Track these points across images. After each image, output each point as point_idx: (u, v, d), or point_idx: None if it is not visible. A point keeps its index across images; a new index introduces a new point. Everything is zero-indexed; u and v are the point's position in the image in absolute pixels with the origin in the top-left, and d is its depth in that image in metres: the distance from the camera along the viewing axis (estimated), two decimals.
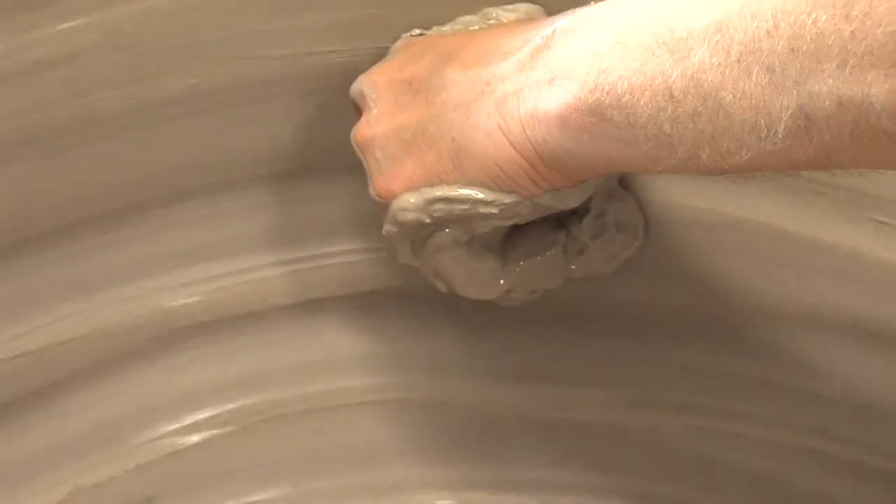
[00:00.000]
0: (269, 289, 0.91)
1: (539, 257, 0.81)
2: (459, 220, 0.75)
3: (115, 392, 0.91)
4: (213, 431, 0.93)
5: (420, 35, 0.81)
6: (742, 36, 0.66)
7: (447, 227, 0.76)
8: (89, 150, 0.84)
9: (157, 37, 0.83)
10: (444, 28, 0.81)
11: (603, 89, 0.69)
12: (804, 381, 0.91)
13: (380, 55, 0.82)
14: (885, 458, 0.90)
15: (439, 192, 0.74)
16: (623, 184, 0.84)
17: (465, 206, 0.73)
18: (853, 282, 0.87)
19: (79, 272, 0.89)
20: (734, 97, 0.66)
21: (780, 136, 0.65)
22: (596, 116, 0.69)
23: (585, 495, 0.95)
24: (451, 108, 0.75)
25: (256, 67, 0.84)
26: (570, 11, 0.73)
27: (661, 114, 0.68)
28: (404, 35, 0.81)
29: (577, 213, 0.81)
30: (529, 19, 0.80)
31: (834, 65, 0.63)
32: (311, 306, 0.91)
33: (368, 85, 0.79)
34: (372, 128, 0.78)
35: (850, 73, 0.63)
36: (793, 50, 0.64)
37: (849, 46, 0.62)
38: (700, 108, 0.67)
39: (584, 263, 0.82)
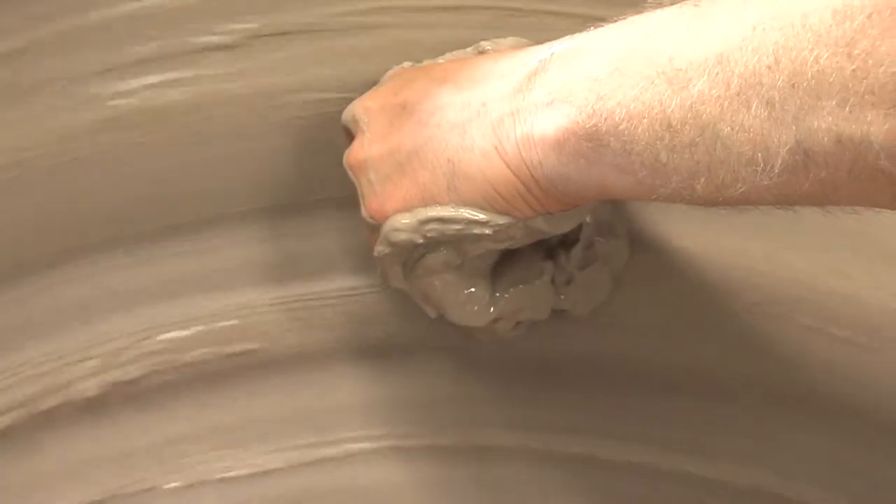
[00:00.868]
0: (261, 324, 0.91)
1: (527, 286, 0.81)
2: (452, 241, 0.75)
3: (103, 434, 0.90)
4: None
5: (411, 65, 0.82)
6: (742, 69, 0.66)
7: (439, 249, 0.76)
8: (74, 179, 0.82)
9: None
10: (437, 60, 0.82)
11: (601, 115, 0.69)
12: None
13: (368, 87, 0.82)
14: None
15: (433, 212, 0.74)
16: (615, 221, 0.83)
17: (458, 227, 0.74)
18: None
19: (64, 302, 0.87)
20: (732, 129, 0.66)
21: (777, 171, 0.66)
22: (593, 142, 0.70)
23: None
24: (446, 129, 0.75)
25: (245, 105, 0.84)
26: (567, 37, 0.73)
27: (658, 142, 0.69)
28: (395, 67, 0.83)
29: (566, 245, 0.82)
30: (530, 44, 0.80)
31: (834, 102, 0.63)
32: (304, 345, 0.91)
33: (361, 110, 0.80)
34: (365, 150, 0.78)
35: (851, 112, 0.63)
36: (793, 86, 0.65)
37: (850, 85, 0.63)
38: (697, 139, 0.68)
39: (571, 295, 0.83)
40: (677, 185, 0.69)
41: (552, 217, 0.74)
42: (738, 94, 0.66)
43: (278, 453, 0.94)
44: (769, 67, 0.65)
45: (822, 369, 0.91)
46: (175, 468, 0.93)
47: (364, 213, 0.78)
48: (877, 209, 0.68)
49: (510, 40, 0.81)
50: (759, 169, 0.66)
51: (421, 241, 0.75)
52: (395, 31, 0.85)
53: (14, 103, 0.84)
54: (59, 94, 0.85)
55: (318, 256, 0.90)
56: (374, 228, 0.78)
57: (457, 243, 0.76)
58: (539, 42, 0.79)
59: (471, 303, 0.80)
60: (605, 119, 0.69)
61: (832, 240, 0.87)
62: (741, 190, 0.68)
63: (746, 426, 0.93)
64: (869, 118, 0.63)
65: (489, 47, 0.81)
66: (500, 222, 0.73)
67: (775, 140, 0.65)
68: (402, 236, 0.76)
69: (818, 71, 0.63)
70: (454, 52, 0.82)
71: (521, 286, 0.81)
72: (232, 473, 0.93)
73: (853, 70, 0.62)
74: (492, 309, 0.80)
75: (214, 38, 0.85)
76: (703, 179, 0.68)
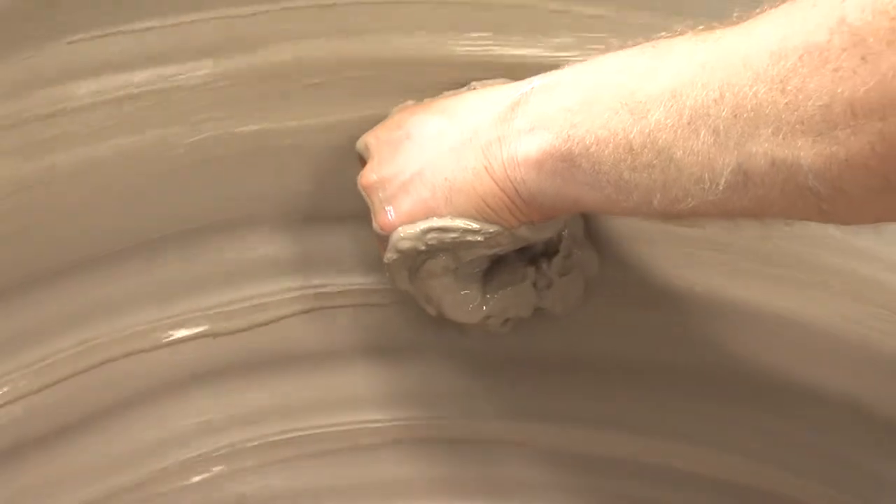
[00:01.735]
0: (281, 319, 0.95)
1: (513, 288, 0.88)
2: (450, 248, 0.82)
3: (137, 424, 0.94)
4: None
5: (413, 103, 0.89)
6: (693, 102, 0.72)
7: (439, 255, 0.83)
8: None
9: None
10: (434, 98, 0.88)
11: (574, 140, 0.76)
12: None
13: (378, 120, 0.88)
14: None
15: (433, 223, 0.81)
16: (588, 236, 0.90)
17: (455, 235, 0.81)
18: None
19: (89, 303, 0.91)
20: (684, 153, 0.72)
21: (721, 189, 0.72)
22: (567, 162, 0.77)
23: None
24: (443, 153, 0.82)
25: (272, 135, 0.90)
26: (544, 74, 0.81)
27: (622, 164, 0.75)
28: (399, 106, 0.89)
29: (547, 254, 0.88)
30: (509, 81, 0.87)
31: (770, 130, 0.69)
32: (323, 342, 0.97)
33: (372, 139, 0.87)
34: (376, 173, 0.85)
35: (784, 139, 0.69)
36: (735, 116, 0.70)
37: (783, 116, 0.69)
38: (654, 161, 0.74)
39: (551, 297, 0.89)
40: (638, 200, 0.75)
41: (534, 226, 0.81)
42: (689, 124, 0.72)
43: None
44: (715, 101, 0.71)
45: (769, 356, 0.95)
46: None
47: (375, 226, 0.84)
48: (806, 221, 0.74)
49: (497, 81, 0.88)
50: (706, 187, 0.72)
51: (423, 248, 0.82)
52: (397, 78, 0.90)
53: None
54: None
55: (337, 259, 0.96)
56: (384, 239, 0.84)
57: (454, 250, 0.82)
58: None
59: (465, 302, 0.87)
60: (578, 143, 0.76)
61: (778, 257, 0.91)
62: (691, 204, 0.73)
63: (719, 414, 0.97)
64: (799, 144, 0.68)
65: (479, 86, 0.88)
66: (490, 230, 0.80)
67: (720, 162, 0.71)
68: (408, 244, 0.82)
69: (756, 104, 0.69)
70: (449, 91, 0.88)
71: (508, 288, 0.88)
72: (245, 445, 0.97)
73: (786, 103, 0.68)
74: (483, 308, 0.87)
75: None
76: (659, 195, 0.74)
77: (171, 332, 0.94)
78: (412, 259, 0.84)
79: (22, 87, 0.84)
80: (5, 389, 0.88)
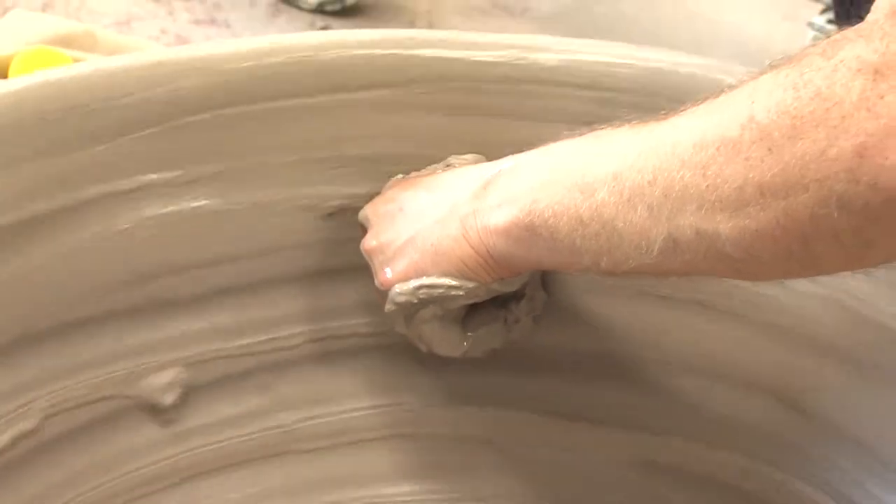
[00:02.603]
0: (293, 351, 1.01)
1: (488, 327, 0.95)
2: (436, 300, 0.89)
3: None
4: None
5: (403, 177, 0.95)
6: (631, 183, 0.77)
7: (428, 306, 0.90)
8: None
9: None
10: (418, 172, 0.95)
11: (535, 214, 0.82)
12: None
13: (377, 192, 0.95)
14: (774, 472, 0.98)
15: (423, 281, 0.89)
16: (543, 284, 0.98)
17: (441, 290, 0.88)
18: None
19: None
20: (624, 225, 0.78)
21: (655, 254, 0.77)
22: (529, 231, 0.83)
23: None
24: (430, 224, 0.89)
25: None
26: (509, 157, 0.87)
27: (574, 233, 0.81)
28: (392, 178, 0.96)
29: (515, 298, 0.95)
30: (478, 163, 0.93)
31: (694, 207, 0.75)
32: (329, 361, 1.02)
33: (371, 211, 0.94)
34: (375, 239, 0.92)
35: (705, 214, 0.74)
36: (666, 196, 0.76)
37: (705, 195, 0.74)
38: (601, 231, 0.80)
39: (518, 330, 0.96)
40: (588, 261, 0.81)
41: (504, 280, 0.89)
42: (628, 201, 0.77)
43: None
44: (649, 182, 0.76)
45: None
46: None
47: (376, 282, 0.91)
48: (722, 278, 0.82)
49: (470, 156, 0.95)
50: (643, 252, 0.78)
51: (416, 301, 0.89)
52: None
53: None
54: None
55: (346, 307, 1.02)
56: (384, 293, 0.91)
57: (440, 301, 0.90)
58: (488, 156, 0.93)
59: (450, 342, 0.95)
60: (538, 217, 0.82)
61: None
62: (631, 266, 0.79)
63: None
64: (718, 219, 0.74)
65: (455, 161, 0.95)
66: (470, 286, 0.88)
67: (654, 233, 0.77)
68: (403, 298, 0.90)
69: (683, 186, 0.75)
70: (431, 166, 0.95)
71: (483, 328, 0.95)
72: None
73: (707, 185, 0.74)
74: (465, 344, 0.95)
75: None
76: (605, 258, 0.80)
77: None
78: (407, 309, 0.91)
79: None
80: None
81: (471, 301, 0.91)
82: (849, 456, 0.94)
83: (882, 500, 0.92)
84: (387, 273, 0.92)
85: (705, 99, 0.76)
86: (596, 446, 1.03)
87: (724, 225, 0.74)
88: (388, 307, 0.92)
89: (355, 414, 1.03)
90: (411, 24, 2.09)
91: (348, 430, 1.03)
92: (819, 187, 0.70)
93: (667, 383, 1.01)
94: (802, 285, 0.93)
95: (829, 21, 1.84)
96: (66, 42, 1.53)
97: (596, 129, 0.83)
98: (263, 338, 0.99)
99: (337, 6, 2.19)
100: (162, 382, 0.96)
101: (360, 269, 0.95)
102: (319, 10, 2.19)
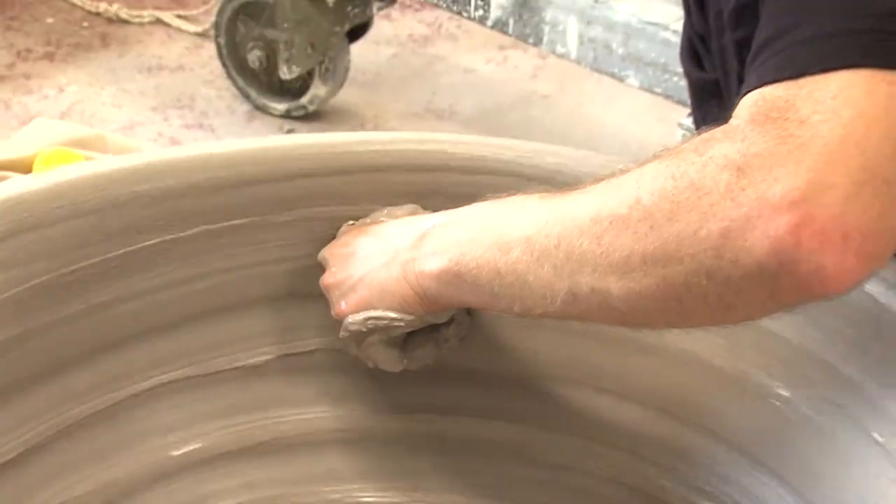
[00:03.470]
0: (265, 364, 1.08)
1: (422, 349, 1.04)
2: (382, 329, 0.98)
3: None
4: None
5: (353, 223, 1.03)
6: (540, 246, 0.83)
7: (375, 333, 0.99)
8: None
9: None
10: (366, 219, 1.03)
11: (461, 264, 0.89)
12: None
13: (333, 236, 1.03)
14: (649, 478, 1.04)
15: (371, 313, 0.98)
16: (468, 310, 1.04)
17: (385, 321, 0.97)
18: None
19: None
20: (534, 279, 0.84)
21: (558, 304, 0.83)
22: (456, 278, 0.90)
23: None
24: (376, 267, 0.97)
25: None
26: (443, 213, 0.94)
27: (493, 282, 0.87)
28: (345, 224, 1.04)
29: (445, 323, 1.03)
30: (415, 214, 1.01)
31: (590, 269, 0.80)
32: (292, 372, 1.08)
33: (328, 253, 1.02)
34: (332, 278, 1.00)
35: (599, 275, 0.80)
36: (567, 258, 0.81)
37: (599, 260, 0.80)
38: (514, 282, 0.85)
39: (448, 349, 1.04)
40: (504, 306, 0.87)
41: (436, 314, 0.98)
42: (537, 260, 0.83)
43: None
44: (555, 246, 0.82)
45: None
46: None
47: (333, 313, 1.00)
48: (611, 325, 0.87)
49: (408, 207, 1.03)
50: (548, 302, 0.83)
51: (365, 329, 0.98)
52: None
53: None
54: None
55: (309, 331, 1.09)
56: (339, 322, 0.99)
57: (385, 329, 0.98)
58: (426, 211, 1.00)
59: (392, 360, 1.03)
60: (464, 266, 0.89)
61: None
62: (538, 312, 0.85)
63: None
64: (610, 280, 0.80)
65: (395, 211, 1.02)
66: (408, 318, 0.96)
67: (557, 287, 0.83)
68: (355, 327, 0.99)
69: (581, 251, 0.80)
70: (373, 214, 1.03)
71: (419, 349, 1.04)
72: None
73: (601, 252, 0.80)
74: (404, 361, 1.03)
75: None
76: (518, 304, 0.86)
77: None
78: (357, 336, 0.99)
79: None
80: None
81: (409, 330, 1.00)
82: (722, 455, 1.02)
83: (749, 491, 1.00)
84: (342, 305, 1.00)
85: (602, 179, 0.82)
86: (515, 446, 1.10)
87: (614, 285, 0.80)
88: (343, 334, 1.00)
89: (313, 416, 1.10)
90: (361, 127, 2.29)
91: (309, 431, 1.09)
92: (691, 260, 0.76)
93: (559, 392, 1.08)
94: None
95: (689, 115, 1.95)
96: (81, 144, 1.69)
97: (513, 195, 0.90)
98: (239, 352, 1.08)
99: (301, 112, 2.41)
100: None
101: (322, 298, 1.03)
102: (287, 116, 2.41)
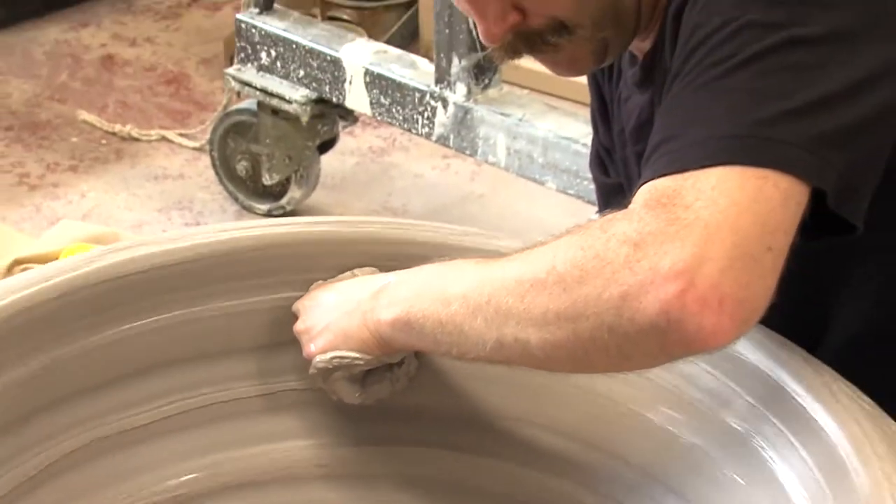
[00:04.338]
0: (246, 401, 1.06)
1: (379, 384, 1.03)
2: (345, 366, 0.98)
3: None
4: None
5: (321, 282, 1.03)
6: (474, 302, 0.84)
7: (338, 370, 0.99)
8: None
9: None
10: (332, 279, 1.03)
11: (410, 315, 0.90)
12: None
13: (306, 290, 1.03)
14: None
15: (336, 354, 0.97)
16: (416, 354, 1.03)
17: (348, 360, 0.97)
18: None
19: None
20: (469, 329, 0.84)
21: (488, 350, 0.84)
22: (407, 326, 0.91)
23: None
24: (341, 315, 0.97)
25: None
26: (395, 272, 0.96)
27: (436, 330, 0.88)
28: (315, 283, 1.04)
29: (397, 364, 1.02)
30: (374, 274, 1.02)
31: (514, 321, 0.81)
32: (273, 408, 1.07)
33: (300, 305, 1.02)
34: (303, 324, 1.01)
35: (521, 327, 0.80)
36: (496, 312, 0.83)
37: (521, 315, 0.80)
38: (453, 331, 0.86)
39: (399, 386, 1.03)
40: (445, 350, 0.89)
41: (390, 355, 0.98)
42: (472, 313, 0.84)
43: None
44: (486, 302, 0.83)
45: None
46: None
47: (304, 354, 1.00)
48: (530, 369, 0.88)
49: (367, 269, 1.03)
50: (480, 348, 0.84)
51: (331, 367, 0.98)
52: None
53: None
54: None
55: (284, 367, 1.07)
56: (309, 361, 0.99)
57: (347, 367, 0.98)
58: (381, 268, 1.02)
59: (352, 394, 1.02)
60: (412, 317, 0.90)
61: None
62: (472, 356, 0.86)
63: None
64: (530, 331, 0.81)
65: (357, 272, 1.03)
66: (367, 358, 0.97)
67: (487, 336, 0.84)
68: (322, 365, 0.99)
69: (507, 307, 0.81)
70: (344, 274, 1.03)
71: (375, 385, 1.03)
72: None
73: (523, 308, 0.80)
74: (362, 396, 1.02)
75: None
76: (455, 349, 0.87)
77: None
78: (324, 372, 1.00)
79: None
80: None
81: (367, 368, 1.00)
82: (630, 475, 1.01)
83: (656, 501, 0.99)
84: (311, 348, 1.00)
85: (525, 249, 0.84)
86: (459, 476, 1.08)
87: (533, 336, 0.81)
88: (312, 371, 1.01)
89: (291, 446, 1.09)
90: None
91: (288, 464, 1.08)
92: (596, 318, 0.77)
93: (500, 426, 1.06)
94: None
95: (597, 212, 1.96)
96: (99, 240, 1.71)
97: (455, 260, 0.91)
98: (224, 390, 1.07)
99: (280, 211, 2.46)
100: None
101: (296, 343, 1.03)
102: (269, 214, 2.46)
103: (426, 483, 1.07)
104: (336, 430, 1.08)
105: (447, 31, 2.11)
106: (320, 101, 2.34)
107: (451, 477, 1.08)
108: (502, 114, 2.11)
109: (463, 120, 2.15)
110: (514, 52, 0.93)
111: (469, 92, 2.14)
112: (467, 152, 2.19)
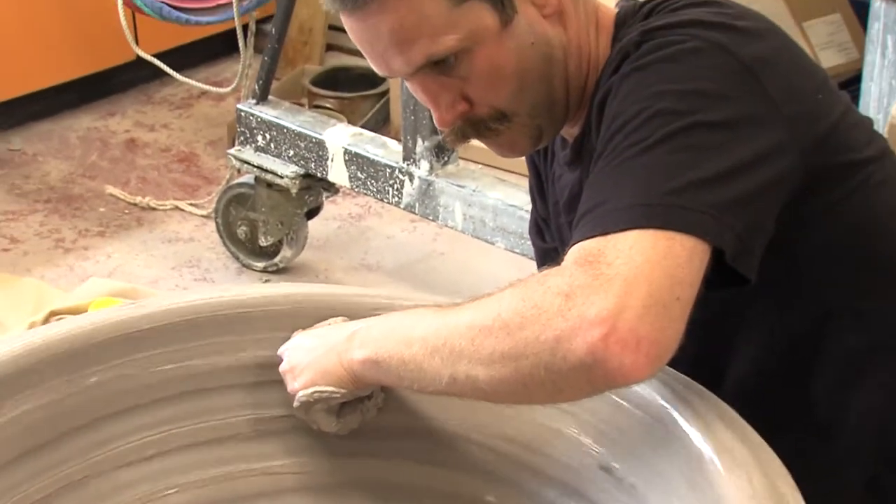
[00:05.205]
0: (235, 426, 1.04)
1: (352, 415, 1.01)
2: (324, 400, 0.97)
3: None
4: None
5: (301, 330, 1.01)
6: (431, 344, 0.83)
7: (319, 403, 0.97)
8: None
9: None
10: (310, 328, 1.01)
11: (378, 355, 0.89)
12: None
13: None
14: None
15: (316, 388, 0.95)
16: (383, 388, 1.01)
17: (326, 394, 0.96)
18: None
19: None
20: (428, 367, 0.84)
21: (444, 385, 0.83)
22: (375, 365, 0.90)
23: None
24: (320, 356, 0.96)
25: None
26: (367, 319, 0.94)
27: (399, 368, 0.87)
28: (296, 331, 1.01)
29: (368, 397, 1.00)
30: (349, 320, 1.00)
31: (466, 360, 0.81)
32: (261, 433, 1.04)
33: (285, 349, 1.01)
34: (288, 364, 0.99)
35: (471, 366, 0.80)
36: (451, 353, 0.82)
37: (472, 355, 0.81)
38: (414, 369, 0.85)
39: (369, 416, 1.01)
40: (408, 384, 0.88)
41: (362, 389, 0.96)
42: (430, 354, 0.84)
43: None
44: (442, 345, 0.83)
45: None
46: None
47: (288, 390, 0.99)
48: (479, 401, 0.87)
49: (338, 319, 1.01)
50: (437, 383, 0.84)
51: (311, 400, 0.96)
52: None
53: None
54: None
55: (272, 402, 1.04)
56: (292, 396, 0.98)
57: (325, 400, 0.96)
58: (351, 316, 1.00)
59: (330, 423, 1.00)
60: (380, 356, 0.89)
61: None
62: (431, 390, 0.85)
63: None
64: (478, 369, 0.81)
65: (332, 320, 1.01)
66: (343, 391, 0.95)
67: (442, 373, 0.83)
68: (304, 398, 0.97)
69: (460, 349, 0.81)
70: (321, 323, 1.01)
71: (349, 415, 1.01)
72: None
73: (473, 349, 0.81)
74: (336, 424, 1.00)
75: None
76: (416, 384, 0.86)
77: None
78: (305, 405, 0.98)
79: None
80: None
81: (343, 401, 0.99)
82: (550, 478, 0.98)
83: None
84: (294, 384, 0.99)
85: (477, 298, 0.83)
86: (421, 484, 1.05)
87: (482, 373, 0.81)
88: (295, 404, 0.99)
89: (274, 465, 1.06)
90: (316, 277, 2.37)
91: (272, 482, 1.05)
92: (534, 357, 0.77)
93: (459, 443, 1.04)
94: None
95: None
96: (122, 294, 1.76)
97: (416, 308, 0.90)
98: (219, 420, 1.04)
99: (274, 268, 2.45)
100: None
101: (281, 381, 1.01)
102: (264, 271, 2.45)
103: (391, 488, 1.05)
104: (314, 449, 1.05)
105: (412, 117, 2.12)
106: (307, 175, 2.35)
107: (407, 481, 1.05)
108: (459, 185, 2.12)
109: (426, 191, 2.16)
110: (464, 137, 0.93)
111: (431, 168, 2.15)
112: (430, 218, 2.19)
